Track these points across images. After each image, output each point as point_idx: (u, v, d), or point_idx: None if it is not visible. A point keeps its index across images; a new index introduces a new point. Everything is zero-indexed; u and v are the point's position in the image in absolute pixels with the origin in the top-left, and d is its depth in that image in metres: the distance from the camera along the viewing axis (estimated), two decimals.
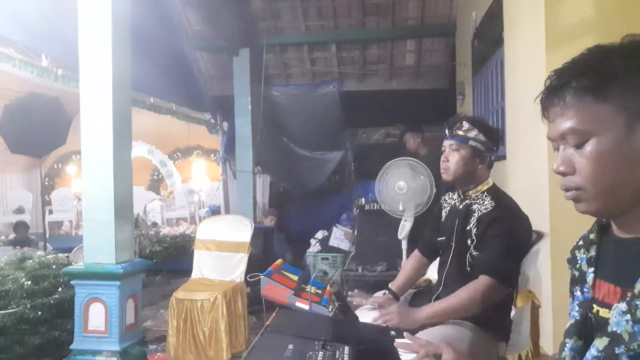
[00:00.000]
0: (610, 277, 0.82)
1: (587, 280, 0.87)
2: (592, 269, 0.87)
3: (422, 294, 2.17)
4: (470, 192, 1.92)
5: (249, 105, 6.25)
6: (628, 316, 0.72)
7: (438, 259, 2.12)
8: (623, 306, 0.74)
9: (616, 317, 0.74)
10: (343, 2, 5.96)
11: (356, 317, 1.71)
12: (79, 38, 3.17)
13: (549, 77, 0.83)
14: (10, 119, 5.38)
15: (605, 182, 0.78)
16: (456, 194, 2.02)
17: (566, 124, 0.80)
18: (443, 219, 2.06)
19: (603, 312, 0.82)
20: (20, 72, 4.13)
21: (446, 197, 2.11)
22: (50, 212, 9.44)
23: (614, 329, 0.74)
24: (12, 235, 6.83)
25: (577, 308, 0.88)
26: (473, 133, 1.87)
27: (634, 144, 0.75)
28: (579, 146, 0.79)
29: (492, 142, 1.91)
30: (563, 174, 0.82)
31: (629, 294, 0.74)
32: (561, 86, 0.80)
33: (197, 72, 6.85)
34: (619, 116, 0.76)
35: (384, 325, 1.73)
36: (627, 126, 0.75)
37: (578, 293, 0.89)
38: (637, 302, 0.72)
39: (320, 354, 1.10)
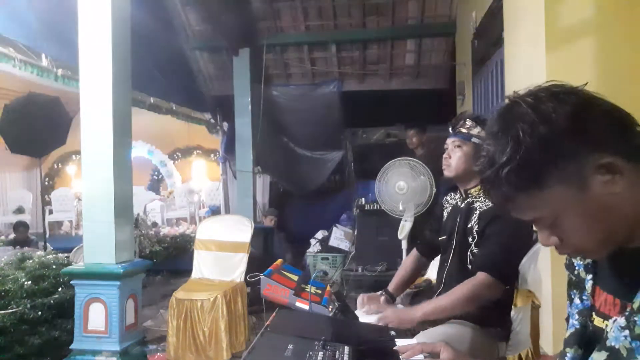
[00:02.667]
0: (608, 287, 0.82)
1: (586, 287, 0.86)
2: (590, 276, 0.86)
3: (422, 293, 2.17)
4: (472, 191, 1.92)
5: (249, 105, 6.24)
6: (627, 332, 0.72)
7: (438, 258, 2.12)
8: (622, 321, 0.73)
9: (615, 331, 0.74)
10: (343, 2, 5.95)
11: (356, 317, 1.71)
12: (79, 38, 3.17)
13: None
14: (10, 119, 5.37)
15: (596, 238, 0.77)
16: (458, 194, 2.02)
17: (527, 215, 0.78)
18: (444, 219, 2.06)
19: (598, 322, 0.82)
20: (20, 72, 4.14)
21: (448, 198, 2.11)
22: (50, 212, 9.43)
23: (613, 344, 0.73)
24: (12, 235, 6.82)
25: (576, 316, 0.87)
26: (476, 130, 1.87)
27: (597, 196, 0.74)
28: (552, 226, 0.78)
29: None
30: (554, 246, 0.81)
31: (629, 308, 0.73)
32: (498, 187, 0.77)
33: (197, 72, 6.84)
34: (568, 188, 0.74)
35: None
36: (581, 189, 0.74)
37: (577, 300, 0.88)
38: (636, 318, 0.71)
39: (320, 354, 1.10)
